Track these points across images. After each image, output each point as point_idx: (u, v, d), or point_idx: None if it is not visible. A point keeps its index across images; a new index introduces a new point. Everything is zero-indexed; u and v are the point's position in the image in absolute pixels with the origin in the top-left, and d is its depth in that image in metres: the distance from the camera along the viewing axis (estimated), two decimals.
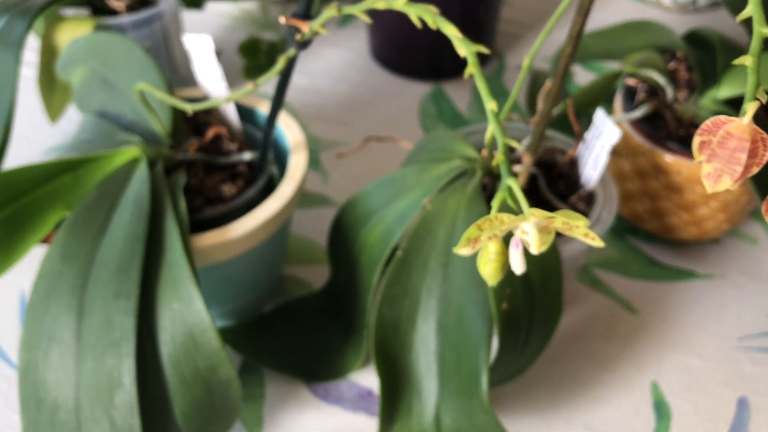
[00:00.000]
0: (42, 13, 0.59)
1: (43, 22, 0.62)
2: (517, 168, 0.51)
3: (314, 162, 0.71)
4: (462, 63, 0.79)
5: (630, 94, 0.61)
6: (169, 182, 0.49)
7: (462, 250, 0.29)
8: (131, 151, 0.49)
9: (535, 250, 0.28)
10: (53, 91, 0.63)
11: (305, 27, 0.36)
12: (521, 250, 0.29)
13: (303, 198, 0.68)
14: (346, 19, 0.90)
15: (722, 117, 0.23)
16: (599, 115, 0.49)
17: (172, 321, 0.45)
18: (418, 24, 0.33)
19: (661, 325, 0.59)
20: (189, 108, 0.45)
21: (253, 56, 0.67)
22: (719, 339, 0.58)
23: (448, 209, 0.48)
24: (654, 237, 0.65)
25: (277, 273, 0.59)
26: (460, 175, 0.49)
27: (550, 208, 0.51)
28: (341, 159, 0.71)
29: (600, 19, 0.88)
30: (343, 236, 0.54)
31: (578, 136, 0.51)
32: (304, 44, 0.37)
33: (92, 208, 0.47)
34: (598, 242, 0.28)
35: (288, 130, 0.54)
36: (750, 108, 0.23)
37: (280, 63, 0.38)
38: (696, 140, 0.24)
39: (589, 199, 0.52)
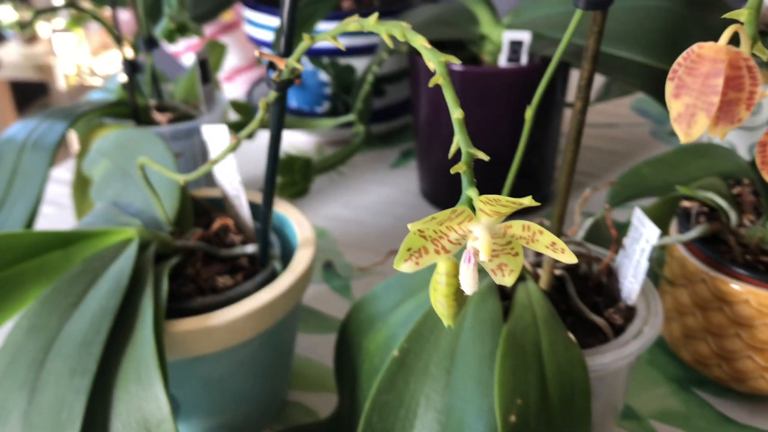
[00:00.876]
0: (81, 119, 0.61)
1: (85, 129, 0.64)
2: (540, 271, 0.44)
3: (344, 289, 0.67)
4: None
5: (686, 217, 0.54)
6: (156, 264, 0.46)
7: (402, 266, 0.23)
8: (126, 231, 0.47)
9: (484, 257, 0.22)
10: (85, 196, 0.63)
11: (281, 63, 0.33)
12: (474, 265, 0.23)
13: (326, 323, 0.62)
14: (399, 161, 0.89)
15: (695, 45, 0.18)
16: (637, 214, 0.43)
17: (127, 406, 0.39)
18: (389, 42, 0.30)
19: None
20: (181, 178, 0.43)
21: (288, 173, 0.66)
22: None
23: None
24: (726, 389, 0.55)
25: (278, 393, 0.53)
26: None
27: (581, 319, 0.44)
28: (364, 273, 0.67)
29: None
30: (347, 346, 0.48)
31: (615, 242, 0.45)
32: (283, 85, 0.34)
33: (71, 282, 0.44)
34: (569, 256, 0.22)
35: (299, 227, 0.51)
36: (730, 29, 0.18)
37: (261, 109, 0.35)
38: (669, 86, 0.19)
39: (630, 313, 0.44)
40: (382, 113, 0.91)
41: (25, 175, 0.58)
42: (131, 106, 0.64)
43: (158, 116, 0.65)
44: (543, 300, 0.42)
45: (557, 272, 0.45)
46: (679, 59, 0.18)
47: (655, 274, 0.61)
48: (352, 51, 0.84)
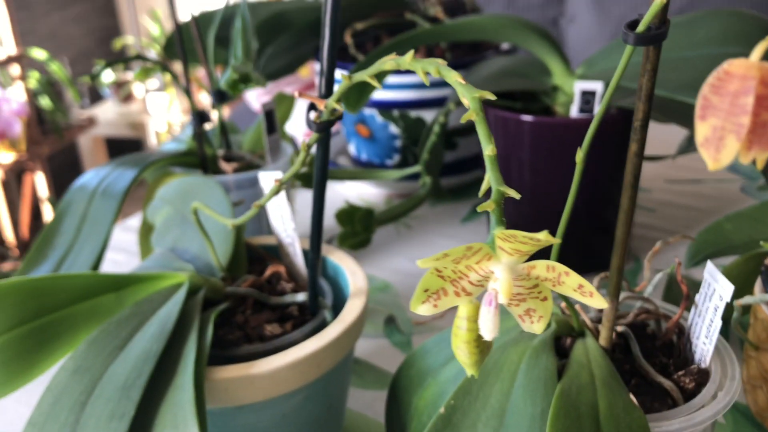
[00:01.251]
0: (151, 167, 0.62)
1: (153, 176, 0.65)
2: (600, 327, 0.41)
3: (405, 345, 0.64)
4: (583, 260, 0.71)
5: None
6: (205, 310, 0.45)
7: (420, 308, 0.22)
8: (177, 276, 0.47)
9: (503, 299, 0.20)
10: (149, 242, 0.63)
11: (321, 104, 0.33)
12: (495, 308, 0.21)
13: (383, 378, 0.60)
14: (471, 216, 0.87)
15: (725, 62, 0.16)
16: (709, 268, 0.40)
17: None
18: (425, 80, 0.29)
19: None
20: (230, 222, 0.43)
21: (348, 223, 0.65)
22: None
23: (508, 361, 0.39)
24: None
25: None
26: None
27: (647, 381, 0.41)
28: (426, 328, 0.65)
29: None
30: (397, 402, 0.46)
31: (685, 298, 0.42)
32: (323, 126, 0.34)
33: (120, 325, 0.44)
34: (598, 300, 0.20)
35: (353, 277, 0.50)
36: (763, 44, 0.15)
37: (302, 151, 0.35)
38: (697, 109, 0.16)
39: (703, 377, 0.40)
40: (453, 166, 0.90)
41: (94, 221, 0.60)
42: (200, 156, 0.66)
43: (224, 165, 0.66)
44: (602, 358, 0.39)
45: (619, 329, 0.41)
46: (708, 78, 0.16)
47: (738, 337, 0.56)
48: (423, 104, 0.84)
